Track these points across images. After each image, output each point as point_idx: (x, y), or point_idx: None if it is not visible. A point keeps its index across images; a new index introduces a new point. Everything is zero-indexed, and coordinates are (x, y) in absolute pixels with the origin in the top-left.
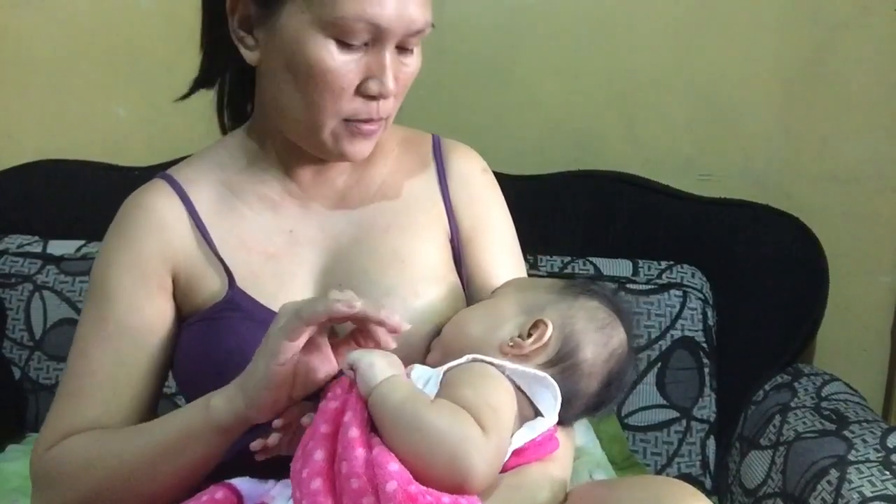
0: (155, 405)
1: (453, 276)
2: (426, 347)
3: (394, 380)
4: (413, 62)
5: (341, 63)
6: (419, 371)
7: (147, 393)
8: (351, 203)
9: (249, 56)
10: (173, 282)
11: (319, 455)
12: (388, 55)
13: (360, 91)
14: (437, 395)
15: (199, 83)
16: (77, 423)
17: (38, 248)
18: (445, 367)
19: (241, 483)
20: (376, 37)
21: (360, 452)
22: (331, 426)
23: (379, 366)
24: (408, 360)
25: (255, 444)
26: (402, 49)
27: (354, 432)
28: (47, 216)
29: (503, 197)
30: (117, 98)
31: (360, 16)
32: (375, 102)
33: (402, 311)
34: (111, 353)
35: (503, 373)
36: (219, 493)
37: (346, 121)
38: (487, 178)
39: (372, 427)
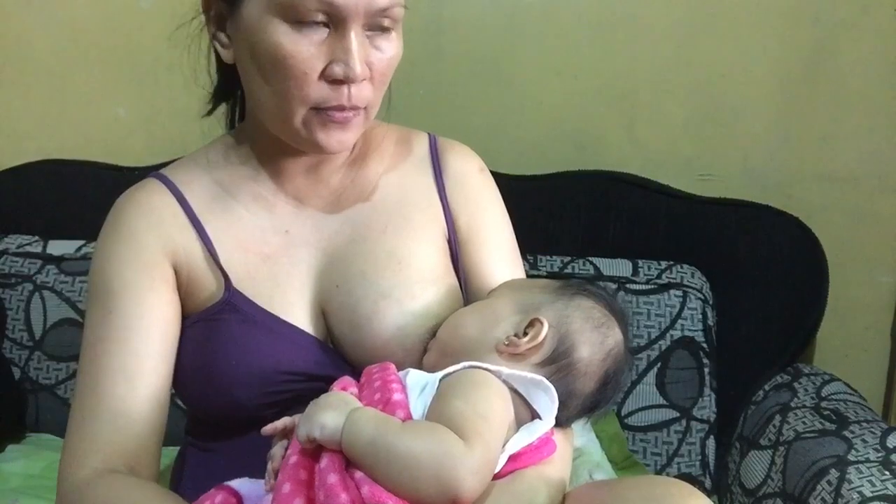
0: (168, 395)
1: (451, 278)
2: (422, 350)
3: (353, 419)
4: (389, 46)
5: (302, 48)
6: (415, 376)
7: (161, 381)
8: (346, 203)
9: (225, 54)
10: (175, 275)
11: (299, 502)
12: (353, 36)
13: (326, 76)
14: (431, 405)
15: (219, 96)
16: (101, 432)
17: (38, 248)
18: (441, 373)
19: (241, 484)
20: (335, 17)
21: (343, 498)
22: (307, 472)
23: (329, 420)
24: (404, 362)
25: (267, 487)
26: (374, 32)
27: (333, 478)
28: (47, 216)
29: (501, 197)
30: (117, 98)
31: None
32: (345, 88)
33: (399, 313)
34: (121, 346)
35: (500, 377)
36: (218, 496)
37: (317, 109)
38: (484, 178)
39: (349, 462)
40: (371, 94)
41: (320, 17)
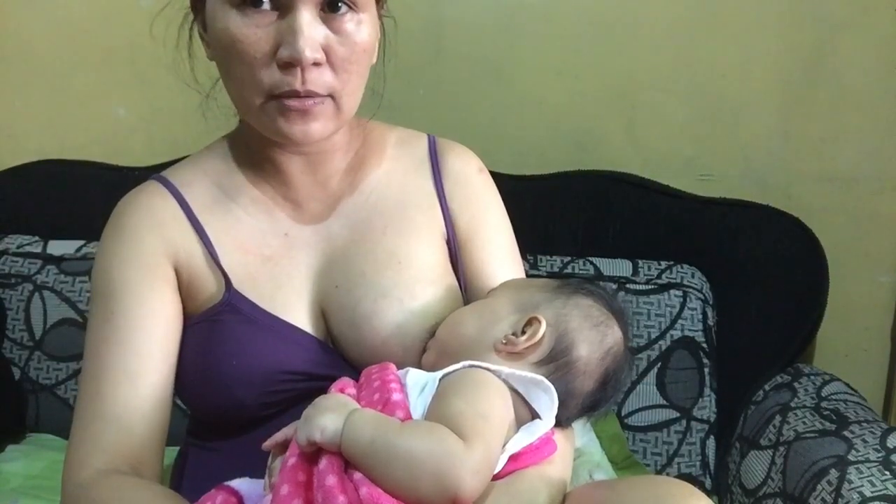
0: (171, 395)
1: (450, 278)
2: (422, 349)
3: (352, 421)
4: (355, 30)
5: (249, 31)
6: (414, 376)
7: (163, 381)
8: (345, 205)
9: (207, 52)
10: (176, 276)
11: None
12: (302, 18)
13: (277, 60)
14: (431, 405)
15: None
16: (104, 433)
17: (38, 248)
18: (441, 373)
19: (241, 484)
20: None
21: (342, 500)
22: (305, 474)
23: (329, 423)
24: (404, 361)
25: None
26: (332, 13)
27: (332, 480)
28: (47, 216)
29: (500, 197)
30: (117, 98)
31: None
32: (297, 72)
33: (399, 312)
34: (123, 346)
35: (500, 377)
36: (219, 496)
37: (276, 97)
38: (484, 178)
39: (348, 464)
40: (333, 80)
41: (268, 1)
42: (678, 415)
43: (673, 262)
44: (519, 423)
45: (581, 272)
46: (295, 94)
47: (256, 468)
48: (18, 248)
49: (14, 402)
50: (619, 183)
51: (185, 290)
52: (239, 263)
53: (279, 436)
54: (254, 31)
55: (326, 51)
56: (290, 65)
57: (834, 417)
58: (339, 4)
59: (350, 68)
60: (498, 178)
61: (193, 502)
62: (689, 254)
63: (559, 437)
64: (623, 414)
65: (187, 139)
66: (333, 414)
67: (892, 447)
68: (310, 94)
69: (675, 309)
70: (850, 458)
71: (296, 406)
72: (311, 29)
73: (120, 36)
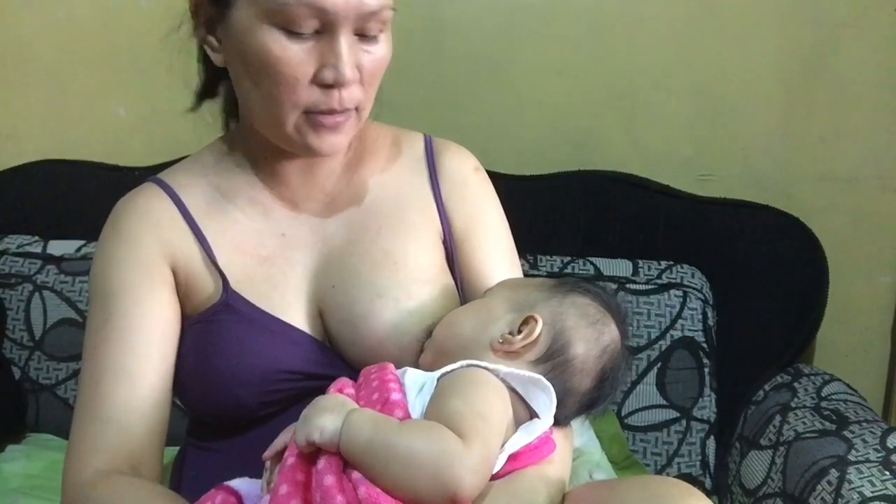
0: (170, 395)
1: (446, 277)
2: (419, 349)
3: (350, 420)
4: (378, 49)
5: (292, 53)
6: (413, 376)
7: (162, 382)
8: (341, 206)
9: (215, 57)
10: (174, 277)
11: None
12: (343, 41)
13: (317, 81)
14: (429, 404)
15: (202, 94)
16: (103, 433)
17: (38, 248)
18: (439, 372)
19: (240, 484)
20: (326, 22)
21: (340, 500)
22: (304, 474)
23: (328, 423)
24: (401, 361)
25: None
26: (363, 35)
27: (330, 479)
28: (47, 216)
29: (497, 196)
30: (117, 98)
31: (303, 0)
32: (335, 92)
33: (395, 312)
34: (122, 347)
35: (498, 376)
36: (218, 496)
37: (309, 113)
38: (480, 177)
39: (346, 463)
40: (361, 95)
41: (311, 24)
42: (678, 415)
43: (673, 262)
44: (517, 423)
45: (581, 272)
46: (331, 112)
47: (256, 468)
48: (18, 248)
49: (14, 402)
50: (619, 183)
51: (182, 291)
52: (236, 264)
53: (278, 443)
54: (297, 53)
55: (359, 69)
56: (331, 86)
57: (834, 417)
58: (373, 28)
59: (374, 82)
60: (498, 178)
61: (193, 502)
62: (689, 254)
63: (558, 436)
64: (623, 414)
65: (187, 139)
66: (332, 414)
67: (892, 447)
68: (345, 110)
69: (675, 309)
70: (850, 458)
71: (295, 405)
72: (351, 51)
73: (120, 36)
